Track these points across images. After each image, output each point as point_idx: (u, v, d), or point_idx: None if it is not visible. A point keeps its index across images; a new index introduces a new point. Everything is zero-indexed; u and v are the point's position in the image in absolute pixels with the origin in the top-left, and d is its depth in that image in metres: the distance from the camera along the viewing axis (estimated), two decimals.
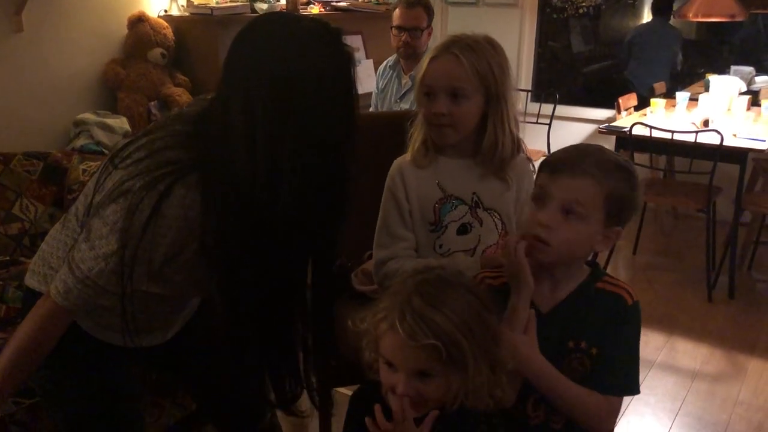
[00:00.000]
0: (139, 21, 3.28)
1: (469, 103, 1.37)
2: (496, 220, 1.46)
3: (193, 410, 2.05)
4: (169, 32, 3.36)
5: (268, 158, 1.08)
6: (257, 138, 1.08)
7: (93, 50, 3.21)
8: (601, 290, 1.20)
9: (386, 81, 3.25)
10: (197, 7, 3.44)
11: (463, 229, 1.45)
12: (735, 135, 3.48)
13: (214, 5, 3.40)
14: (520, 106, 4.11)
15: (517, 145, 1.45)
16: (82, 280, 1.15)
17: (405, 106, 3.11)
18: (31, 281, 1.33)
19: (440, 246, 1.45)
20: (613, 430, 1.19)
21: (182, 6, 3.53)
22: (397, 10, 3.08)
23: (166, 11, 3.50)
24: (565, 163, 1.14)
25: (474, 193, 1.44)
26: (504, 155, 1.41)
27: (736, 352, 2.98)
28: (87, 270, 1.14)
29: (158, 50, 3.30)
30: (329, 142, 1.14)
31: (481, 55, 1.37)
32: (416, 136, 1.46)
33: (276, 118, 1.08)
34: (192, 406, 2.04)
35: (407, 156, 1.48)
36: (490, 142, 1.41)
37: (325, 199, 1.17)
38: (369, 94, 3.52)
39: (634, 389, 1.18)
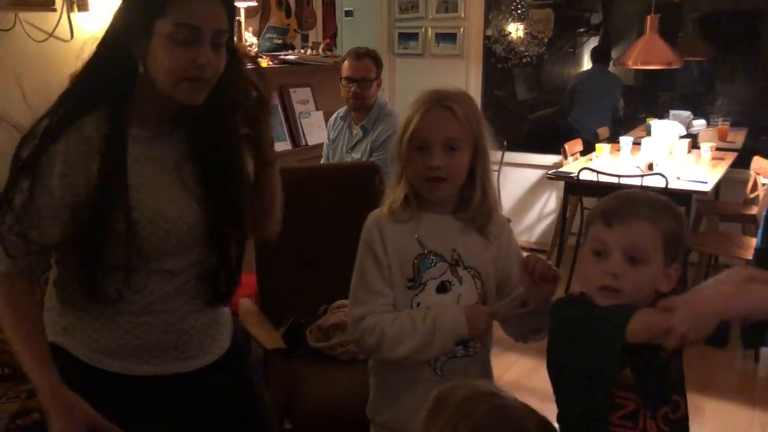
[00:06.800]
0: None
1: (462, 155, 1.35)
2: (475, 279, 1.41)
3: None
4: None
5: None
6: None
7: (36, 108, 3.11)
8: None
9: (337, 132, 3.24)
10: None
11: (443, 287, 1.39)
12: (678, 178, 3.58)
13: None
14: None
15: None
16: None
17: (356, 156, 3.10)
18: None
19: (418, 304, 1.39)
20: None
21: None
22: (345, 61, 3.10)
23: None
24: (617, 211, 1.17)
25: (454, 250, 1.40)
26: (490, 209, 1.40)
27: (692, 394, 2.92)
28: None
29: None
30: None
31: (468, 108, 1.36)
32: (397, 193, 1.40)
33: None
34: None
35: (384, 209, 1.42)
36: (479, 195, 1.38)
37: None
38: (320, 145, 3.51)
39: None
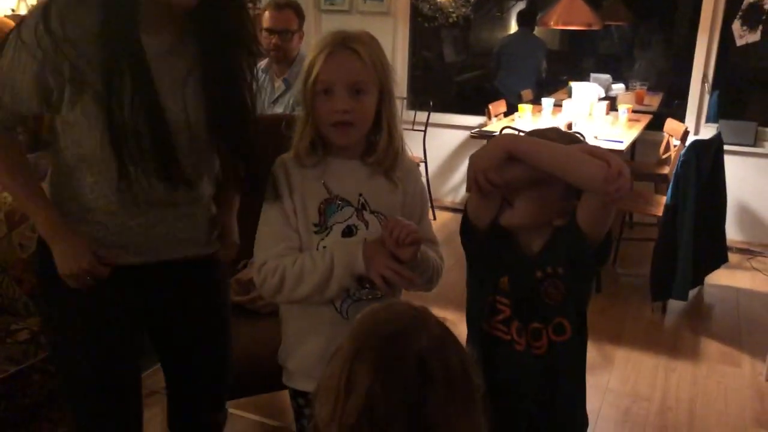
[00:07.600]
0: None
1: (368, 98, 1.32)
2: (382, 223, 1.40)
3: None
4: None
5: None
6: None
7: None
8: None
9: (259, 85, 3.16)
10: None
11: (349, 231, 1.38)
12: (596, 137, 3.68)
13: None
14: None
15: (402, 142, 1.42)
16: None
17: (279, 110, 3.04)
18: None
19: (324, 248, 1.37)
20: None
21: (33, 5, 3.27)
22: (266, 12, 3.01)
23: (13, 10, 3.23)
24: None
25: (360, 195, 1.38)
26: (396, 153, 1.38)
27: (604, 343, 3.13)
28: None
29: None
30: None
31: (373, 49, 1.34)
32: (303, 138, 1.36)
33: None
34: None
35: (290, 153, 1.39)
36: (385, 139, 1.36)
37: None
38: None
39: None
